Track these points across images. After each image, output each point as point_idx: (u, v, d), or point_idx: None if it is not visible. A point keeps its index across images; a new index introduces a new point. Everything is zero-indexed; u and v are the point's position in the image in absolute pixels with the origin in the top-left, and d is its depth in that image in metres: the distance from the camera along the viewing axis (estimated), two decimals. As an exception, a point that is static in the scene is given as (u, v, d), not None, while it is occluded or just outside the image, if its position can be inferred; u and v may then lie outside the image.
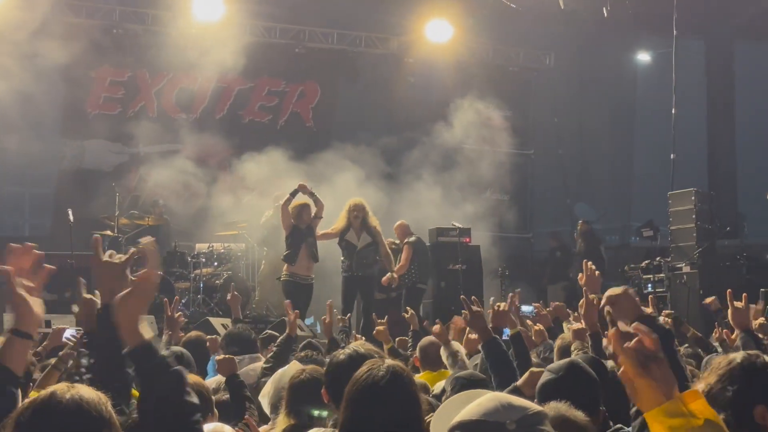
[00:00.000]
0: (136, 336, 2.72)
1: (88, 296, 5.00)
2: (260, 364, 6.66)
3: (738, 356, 3.11)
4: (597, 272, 5.41)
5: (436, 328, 7.04)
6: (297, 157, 16.01)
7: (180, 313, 6.69)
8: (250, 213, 15.52)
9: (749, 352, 3.30)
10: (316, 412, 3.56)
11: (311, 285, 12.72)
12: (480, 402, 2.38)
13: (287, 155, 15.96)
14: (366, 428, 3.25)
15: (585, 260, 5.62)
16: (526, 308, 10.39)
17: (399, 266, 13.59)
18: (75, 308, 4.74)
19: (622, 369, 2.22)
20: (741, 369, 3.00)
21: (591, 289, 5.53)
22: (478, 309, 5.39)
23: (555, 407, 3.05)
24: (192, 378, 4.46)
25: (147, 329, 2.76)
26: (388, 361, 3.50)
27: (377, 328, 8.24)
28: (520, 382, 4.55)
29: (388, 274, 13.24)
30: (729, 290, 5.39)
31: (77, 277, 5.11)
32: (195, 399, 2.72)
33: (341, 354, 4.23)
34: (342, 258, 13.00)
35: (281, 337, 6.67)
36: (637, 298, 4.12)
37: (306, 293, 12.42)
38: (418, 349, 7.21)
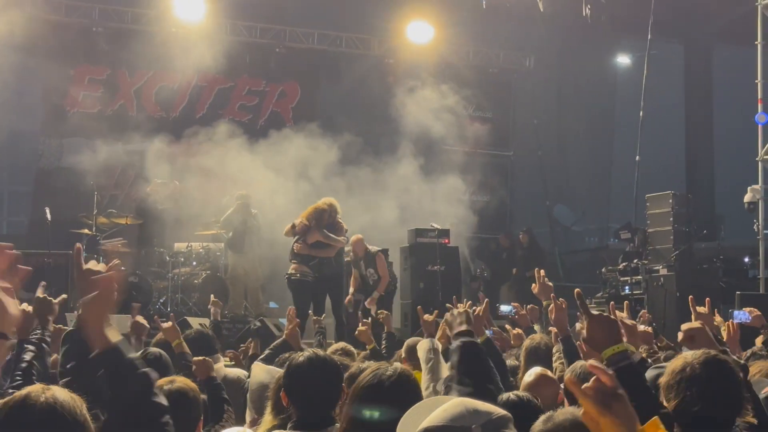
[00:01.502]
0: (103, 339, 2.72)
1: (43, 296, 5.03)
2: (221, 365, 6.69)
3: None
4: (547, 280, 5.69)
5: (428, 317, 6.99)
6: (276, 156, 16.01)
7: (170, 320, 6.75)
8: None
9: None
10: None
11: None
12: (446, 407, 2.40)
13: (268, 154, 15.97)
14: (369, 428, 3.25)
15: (537, 269, 5.71)
16: (505, 308, 10.46)
17: (382, 281, 13.63)
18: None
19: (583, 411, 2.21)
20: None
21: (543, 297, 5.59)
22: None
23: (570, 411, 3.06)
24: (182, 381, 4.48)
25: (115, 332, 2.76)
26: (396, 364, 3.53)
27: (359, 328, 8.22)
28: None
29: (375, 294, 13.35)
30: (691, 297, 5.44)
31: (41, 282, 5.14)
32: (164, 401, 2.71)
33: (300, 356, 4.25)
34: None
35: (276, 341, 6.67)
36: (711, 333, 4.23)
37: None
38: (405, 348, 7.22)
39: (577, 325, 4.26)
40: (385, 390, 3.33)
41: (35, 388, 2.57)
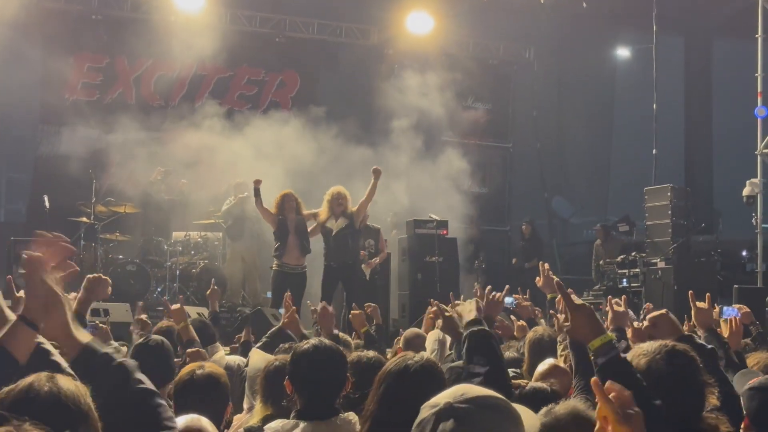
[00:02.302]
0: (73, 344, 2.71)
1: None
2: (221, 354, 6.68)
3: None
4: (552, 273, 5.69)
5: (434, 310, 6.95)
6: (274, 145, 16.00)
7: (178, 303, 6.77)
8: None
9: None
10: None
11: (302, 274, 12.52)
12: (447, 391, 2.39)
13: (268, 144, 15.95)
14: (395, 415, 3.25)
15: (541, 262, 5.71)
16: (507, 299, 10.43)
17: (381, 254, 13.73)
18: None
19: (599, 409, 2.25)
20: None
21: (548, 290, 5.58)
22: (450, 314, 5.40)
23: (571, 405, 3.06)
24: (211, 366, 4.51)
25: (83, 333, 2.74)
26: (422, 353, 3.56)
27: (353, 312, 8.23)
28: None
29: (375, 260, 13.48)
30: (690, 291, 5.45)
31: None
32: (149, 385, 2.71)
33: (306, 344, 4.24)
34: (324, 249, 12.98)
35: (273, 329, 6.64)
36: (675, 320, 4.24)
37: (295, 282, 12.14)
38: (402, 339, 7.24)
39: (560, 316, 4.26)
40: (411, 375, 3.34)
41: (39, 377, 2.56)
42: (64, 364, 2.71)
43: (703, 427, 3.35)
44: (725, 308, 7.59)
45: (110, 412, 2.62)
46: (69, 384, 2.55)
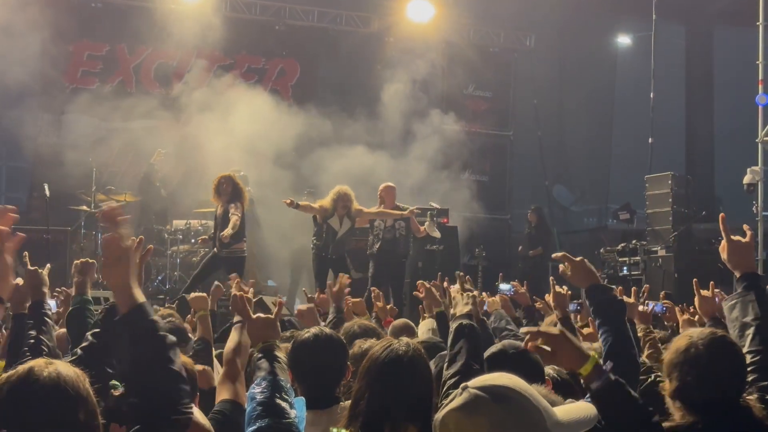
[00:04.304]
0: (127, 299, 2.72)
1: (33, 268, 5.02)
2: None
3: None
4: (565, 290, 5.69)
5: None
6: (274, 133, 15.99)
7: None
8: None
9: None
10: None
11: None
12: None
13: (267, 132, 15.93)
14: (384, 403, 3.24)
15: (551, 277, 5.74)
16: (504, 286, 10.45)
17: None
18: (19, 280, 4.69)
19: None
20: None
21: (561, 308, 5.58)
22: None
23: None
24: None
25: (140, 293, 2.76)
26: (405, 339, 3.53)
27: (354, 300, 8.24)
28: None
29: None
30: (695, 279, 5.44)
31: (25, 252, 5.12)
32: (179, 367, 2.70)
33: (306, 333, 4.24)
34: (314, 237, 13.14)
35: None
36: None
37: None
38: (390, 330, 7.23)
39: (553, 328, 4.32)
40: (402, 364, 3.34)
41: (39, 362, 2.57)
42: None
43: (739, 411, 3.37)
44: (656, 305, 7.53)
45: (137, 378, 2.64)
46: (68, 369, 2.57)
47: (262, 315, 3.57)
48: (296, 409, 3.16)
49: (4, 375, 2.56)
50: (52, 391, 2.49)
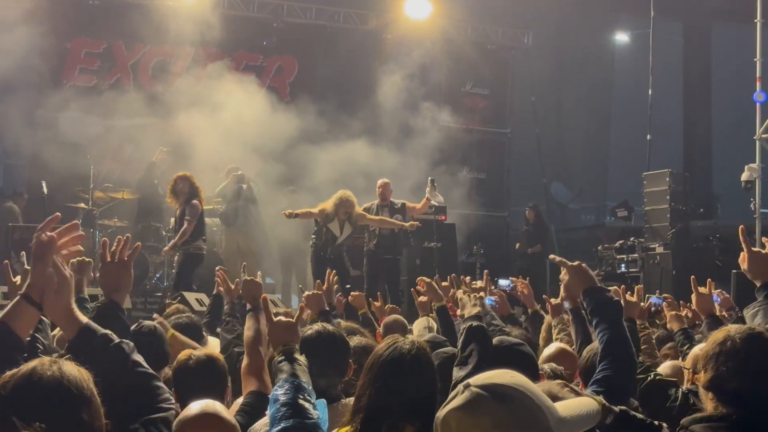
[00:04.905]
0: (73, 324, 2.72)
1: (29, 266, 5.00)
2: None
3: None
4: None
5: (423, 298, 6.98)
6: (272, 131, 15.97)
7: None
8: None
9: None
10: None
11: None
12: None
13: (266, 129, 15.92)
14: (389, 401, 3.24)
15: (561, 264, 5.70)
16: (503, 282, 10.51)
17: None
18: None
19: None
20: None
21: (572, 300, 5.56)
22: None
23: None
24: (206, 350, 4.49)
25: (81, 315, 2.76)
26: (410, 337, 3.53)
27: (353, 294, 8.29)
28: None
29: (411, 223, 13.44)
30: (693, 277, 5.45)
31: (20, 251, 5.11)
32: (146, 367, 2.71)
33: (309, 330, 4.25)
34: (314, 237, 13.13)
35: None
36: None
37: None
38: (382, 326, 7.26)
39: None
40: (407, 362, 3.33)
41: (42, 361, 2.56)
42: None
43: None
44: (653, 298, 7.56)
45: (107, 393, 2.63)
46: (72, 369, 2.56)
47: (283, 318, 3.58)
48: (318, 410, 3.18)
49: (8, 373, 2.55)
50: (55, 390, 2.48)
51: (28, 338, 4.63)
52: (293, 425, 3.03)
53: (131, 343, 2.75)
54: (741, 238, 4.20)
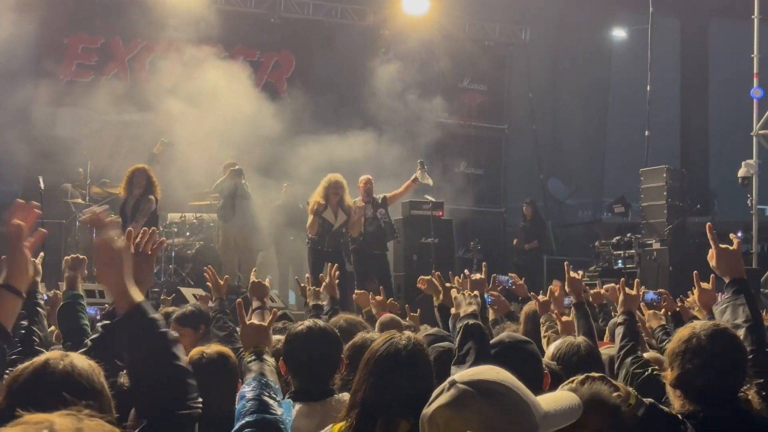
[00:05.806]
0: (124, 300, 2.72)
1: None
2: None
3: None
4: (580, 275, 5.71)
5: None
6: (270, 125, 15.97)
7: None
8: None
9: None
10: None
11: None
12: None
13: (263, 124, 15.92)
14: (385, 397, 3.25)
15: (566, 262, 5.72)
16: (502, 278, 10.52)
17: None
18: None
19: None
20: None
21: (575, 293, 5.56)
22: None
23: (596, 388, 3.05)
24: (217, 346, 4.50)
25: (137, 292, 2.75)
26: (408, 333, 3.55)
27: (357, 292, 8.28)
28: None
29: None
30: (695, 272, 5.46)
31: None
32: (183, 362, 2.72)
33: (300, 325, 4.25)
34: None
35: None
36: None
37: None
38: (378, 324, 7.25)
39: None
40: (402, 358, 3.34)
41: (54, 355, 2.57)
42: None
43: (739, 403, 3.41)
44: (647, 293, 7.55)
45: (142, 379, 2.64)
46: (83, 362, 2.57)
47: (255, 322, 3.71)
48: (283, 409, 3.27)
49: (20, 367, 2.57)
50: (66, 383, 2.49)
51: (23, 330, 4.64)
52: (256, 420, 3.15)
53: (176, 334, 2.76)
54: (709, 235, 4.28)
